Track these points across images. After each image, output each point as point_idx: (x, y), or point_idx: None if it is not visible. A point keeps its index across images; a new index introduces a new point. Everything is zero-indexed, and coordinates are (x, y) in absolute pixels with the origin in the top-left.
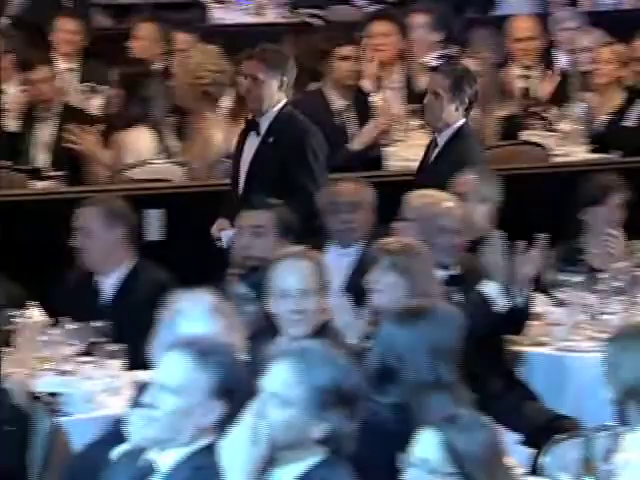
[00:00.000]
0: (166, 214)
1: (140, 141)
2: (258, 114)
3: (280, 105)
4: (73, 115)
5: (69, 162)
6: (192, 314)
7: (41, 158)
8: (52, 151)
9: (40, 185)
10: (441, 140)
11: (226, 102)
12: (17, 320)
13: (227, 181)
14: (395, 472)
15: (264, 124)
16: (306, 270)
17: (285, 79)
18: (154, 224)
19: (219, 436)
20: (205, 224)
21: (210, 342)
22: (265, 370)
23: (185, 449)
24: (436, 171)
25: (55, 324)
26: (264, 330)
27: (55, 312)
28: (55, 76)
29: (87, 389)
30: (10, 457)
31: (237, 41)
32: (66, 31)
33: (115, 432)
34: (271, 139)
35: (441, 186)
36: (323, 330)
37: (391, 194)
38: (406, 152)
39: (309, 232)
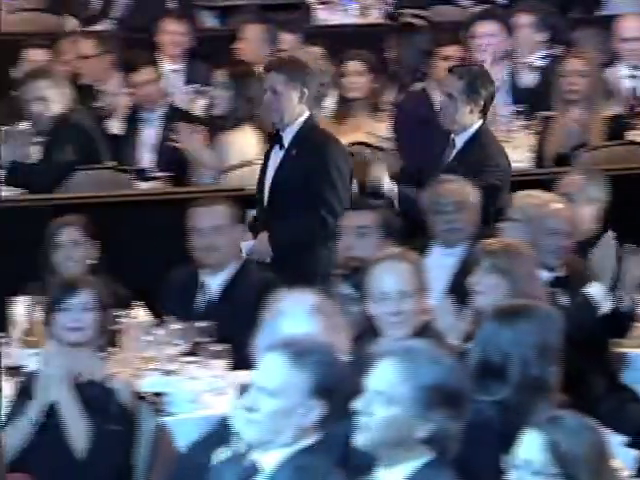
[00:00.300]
0: None
1: (245, 142)
2: (281, 127)
3: (303, 118)
4: (178, 116)
5: (174, 163)
6: (294, 314)
7: (146, 159)
8: (157, 152)
9: (145, 186)
10: (459, 142)
11: (329, 103)
12: (122, 320)
13: None
14: (499, 473)
15: (287, 137)
16: (405, 272)
17: (305, 90)
18: None
19: (321, 435)
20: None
21: (307, 342)
22: (370, 369)
23: (288, 449)
24: (454, 173)
25: (160, 324)
26: (368, 330)
27: (160, 312)
28: (160, 77)
29: (191, 389)
30: (116, 457)
31: (341, 42)
32: (171, 32)
33: (219, 432)
34: (294, 151)
35: None
36: (424, 331)
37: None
38: (510, 153)
39: (322, 243)
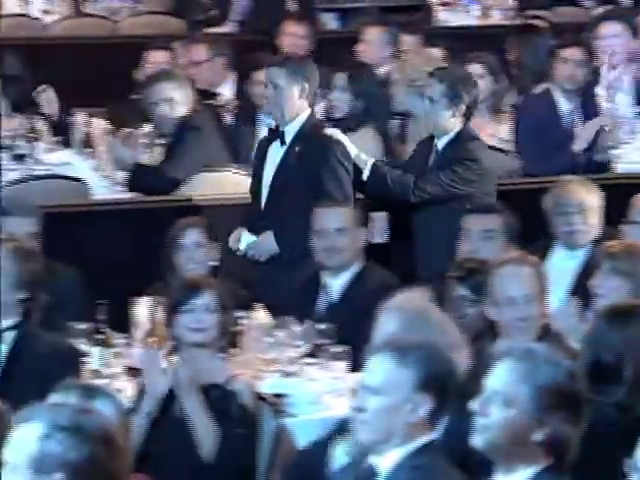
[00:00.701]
0: (390, 217)
1: (364, 144)
2: (281, 122)
3: (306, 114)
4: None
5: None
6: (404, 315)
7: None
8: None
9: None
10: (440, 146)
11: None
12: (243, 322)
13: None
14: (621, 477)
15: (290, 133)
16: (529, 276)
17: (307, 86)
18: (379, 227)
19: (438, 435)
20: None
21: (411, 340)
22: (488, 370)
23: (403, 449)
24: (432, 175)
25: (280, 326)
26: (484, 332)
27: (280, 313)
28: None
29: (312, 391)
30: (238, 459)
31: (462, 43)
32: (291, 35)
33: (337, 434)
34: (297, 149)
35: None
36: (545, 334)
37: (619, 196)
38: (633, 154)
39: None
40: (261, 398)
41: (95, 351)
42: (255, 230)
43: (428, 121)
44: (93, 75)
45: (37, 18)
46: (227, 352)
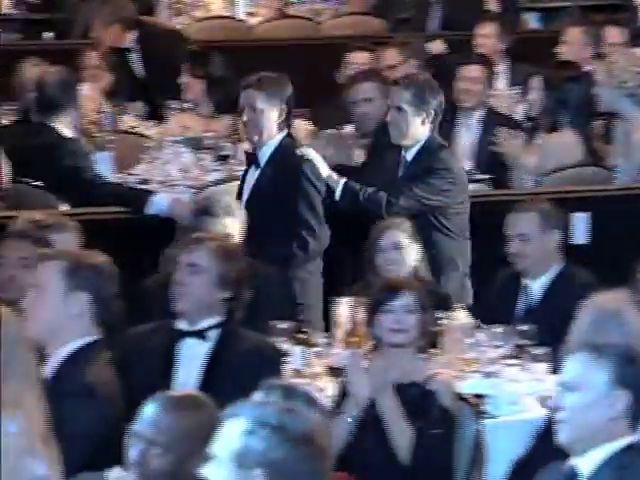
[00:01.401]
0: (592, 217)
1: (564, 145)
2: (259, 146)
3: (280, 136)
4: (498, 119)
5: (494, 166)
6: (599, 315)
7: (466, 161)
8: (476, 155)
9: (470, 188)
10: (409, 156)
11: None
12: (444, 322)
13: None
14: None
15: (264, 156)
16: None
17: (285, 107)
18: (580, 228)
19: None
20: (634, 227)
21: (607, 339)
22: None
23: (605, 449)
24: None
25: (481, 327)
26: None
27: (480, 314)
28: (485, 78)
29: (512, 392)
30: (437, 458)
31: None
32: (486, 35)
33: (543, 435)
34: (269, 171)
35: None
36: None
37: None
38: None
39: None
40: (461, 398)
41: (296, 350)
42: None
43: (397, 132)
44: (296, 76)
45: (242, 20)
46: (427, 352)
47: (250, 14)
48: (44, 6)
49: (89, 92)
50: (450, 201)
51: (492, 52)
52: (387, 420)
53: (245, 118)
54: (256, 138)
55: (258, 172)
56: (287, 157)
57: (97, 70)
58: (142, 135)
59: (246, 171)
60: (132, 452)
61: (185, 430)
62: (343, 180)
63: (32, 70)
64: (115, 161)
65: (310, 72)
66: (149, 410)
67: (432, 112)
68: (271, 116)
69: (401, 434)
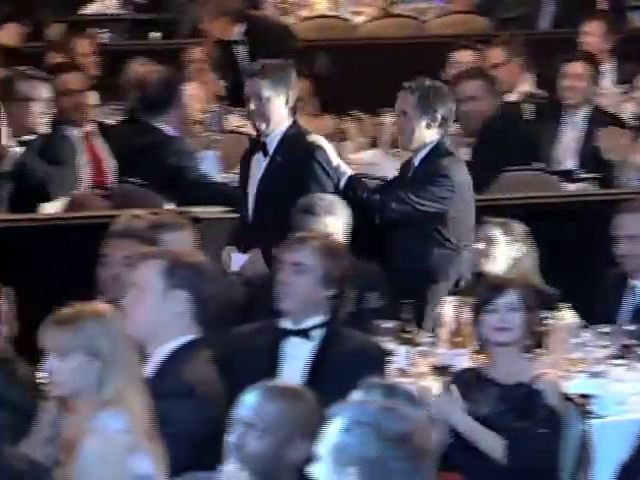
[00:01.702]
0: None
1: None
2: (266, 134)
3: (287, 123)
4: (603, 118)
5: (599, 165)
6: None
7: (568, 160)
8: (580, 153)
9: (572, 187)
10: (417, 160)
11: None
12: (550, 321)
13: None
14: None
15: (272, 144)
16: None
17: (290, 94)
18: None
19: None
20: None
21: None
22: None
23: None
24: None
25: (587, 326)
26: None
27: (590, 314)
28: (589, 75)
29: (619, 392)
30: (543, 459)
31: None
32: (591, 33)
33: None
34: (280, 159)
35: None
36: None
37: None
38: None
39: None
40: (567, 398)
41: (401, 350)
42: (244, 246)
43: (403, 136)
44: (401, 75)
45: (347, 19)
46: (533, 352)
47: (355, 13)
48: (151, 6)
49: (195, 91)
50: (447, 209)
51: (598, 50)
52: (474, 440)
53: (252, 107)
54: (264, 126)
55: (267, 160)
56: (298, 144)
57: (201, 65)
58: (248, 134)
59: (247, 160)
60: (231, 437)
61: (284, 416)
62: (349, 173)
63: (137, 70)
64: (221, 161)
65: (415, 71)
66: (250, 397)
67: (439, 117)
68: (277, 103)
69: (488, 444)
